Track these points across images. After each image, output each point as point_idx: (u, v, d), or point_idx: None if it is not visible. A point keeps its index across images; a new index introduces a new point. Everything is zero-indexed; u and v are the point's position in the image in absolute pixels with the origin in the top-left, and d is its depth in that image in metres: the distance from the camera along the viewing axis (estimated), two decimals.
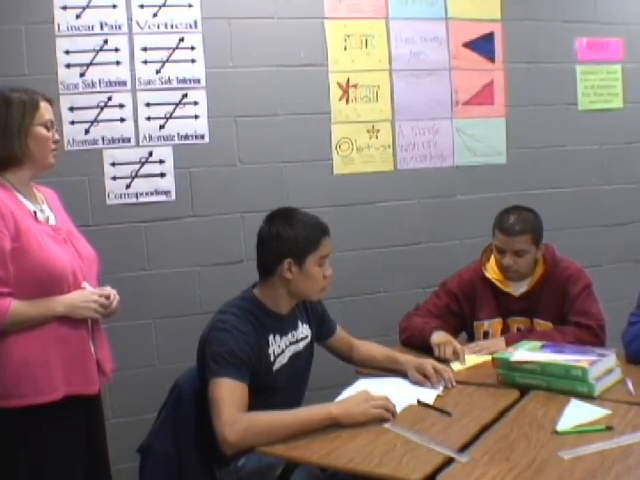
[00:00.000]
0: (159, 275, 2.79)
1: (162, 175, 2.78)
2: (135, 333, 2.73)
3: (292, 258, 1.88)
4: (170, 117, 2.78)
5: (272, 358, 1.90)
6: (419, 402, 1.87)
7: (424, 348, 2.28)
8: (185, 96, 2.79)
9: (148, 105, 2.75)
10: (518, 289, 2.41)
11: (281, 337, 1.94)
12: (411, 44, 3.07)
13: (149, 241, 2.78)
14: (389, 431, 1.69)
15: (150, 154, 2.77)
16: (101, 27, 2.69)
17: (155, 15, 2.75)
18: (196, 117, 2.80)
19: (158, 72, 2.76)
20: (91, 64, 2.68)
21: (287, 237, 1.89)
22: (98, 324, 1.85)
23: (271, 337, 1.91)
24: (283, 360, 1.93)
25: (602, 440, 1.56)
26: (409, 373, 2.04)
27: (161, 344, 2.79)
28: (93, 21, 2.68)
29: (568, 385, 1.85)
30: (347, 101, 2.99)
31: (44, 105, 1.80)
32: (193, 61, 2.79)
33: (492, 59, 3.19)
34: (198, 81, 2.80)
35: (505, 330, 2.42)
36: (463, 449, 1.57)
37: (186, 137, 2.80)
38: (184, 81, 2.79)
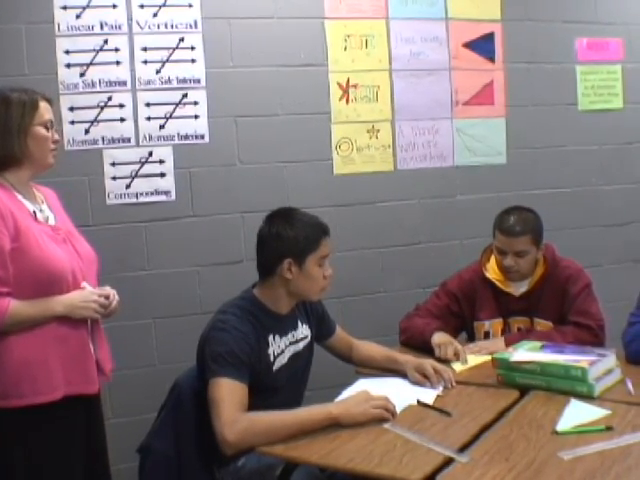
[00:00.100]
0: (159, 275, 2.79)
1: (162, 175, 2.78)
2: (135, 333, 2.73)
3: (292, 258, 1.88)
4: (170, 117, 2.78)
5: (272, 358, 1.90)
6: (419, 402, 1.87)
7: (424, 349, 2.28)
8: (185, 96, 2.79)
9: (148, 105, 2.75)
10: (518, 289, 2.41)
11: (281, 337, 1.94)
12: (411, 44, 3.07)
13: (149, 241, 2.78)
14: (389, 431, 1.69)
15: (150, 154, 2.77)
16: (101, 27, 2.69)
17: (155, 15, 2.75)
18: (196, 117, 2.80)
19: (158, 72, 2.76)
20: (91, 64, 2.68)
21: (287, 237, 1.89)
22: (98, 324, 1.85)
23: (271, 337, 1.91)
24: (283, 360, 1.93)
25: (602, 440, 1.56)
26: (409, 373, 2.04)
27: (161, 344, 2.79)
28: (93, 21, 2.68)
29: (568, 385, 1.85)
30: (347, 101, 2.99)
31: (43, 105, 1.80)
32: (193, 61, 2.79)
33: (492, 59, 3.19)
34: (198, 81, 2.80)
35: (506, 330, 2.42)
36: (463, 449, 1.57)
37: (186, 137, 2.80)
38: (184, 81, 2.79)
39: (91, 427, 1.85)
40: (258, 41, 2.86)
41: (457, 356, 2.20)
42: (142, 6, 2.73)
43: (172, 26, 2.77)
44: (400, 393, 1.91)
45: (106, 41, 2.70)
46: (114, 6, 2.70)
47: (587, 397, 1.81)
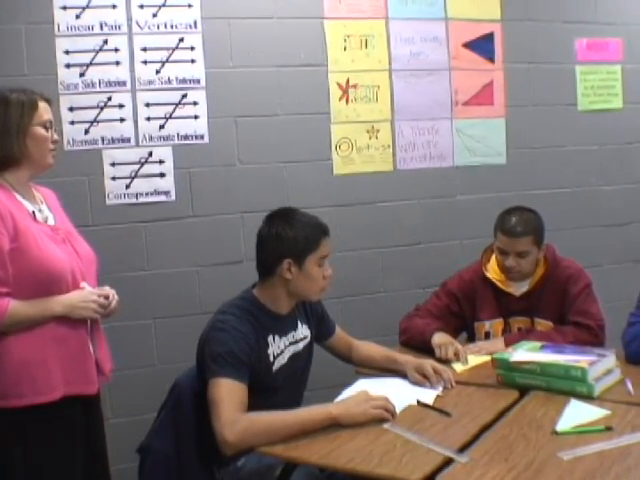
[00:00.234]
0: (159, 275, 2.79)
1: (162, 175, 2.78)
2: (135, 333, 2.73)
3: (292, 258, 1.88)
4: (170, 117, 2.78)
5: (271, 359, 1.90)
6: (419, 402, 1.87)
7: (424, 349, 2.28)
8: (185, 96, 2.79)
9: (148, 105, 2.75)
10: (519, 289, 2.41)
11: (280, 337, 1.94)
12: (411, 44, 3.06)
13: (149, 241, 2.78)
14: (389, 431, 1.69)
15: (150, 154, 2.77)
16: (101, 27, 2.69)
17: (155, 15, 2.75)
18: (196, 117, 2.80)
19: (158, 72, 2.76)
20: (91, 64, 2.68)
21: (287, 237, 1.89)
22: (97, 324, 1.85)
23: (270, 338, 1.91)
24: (282, 360, 1.93)
25: (601, 440, 1.56)
26: (408, 373, 2.04)
27: (161, 344, 2.79)
28: (93, 21, 2.68)
29: (568, 385, 1.85)
30: (347, 101, 2.99)
31: (43, 105, 1.80)
32: (193, 61, 2.79)
33: (492, 59, 3.19)
34: (198, 81, 2.80)
35: (506, 330, 2.42)
36: (462, 449, 1.57)
37: (186, 137, 2.80)
38: (184, 81, 2.79)
39: (91, 427, 1.85)
40: (258, 41, 2.86)
41: (457, 356, 2.20)
42: (142, 6, 2.73)
43: (172, 26, 2.77)
44: (400, 393, 1.91)
45: (106, 41, 2.70)
46: (114, 6, 2.70)
47: (587, 397, 1.81)
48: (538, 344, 2.06)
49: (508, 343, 2.25)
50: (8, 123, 1.74)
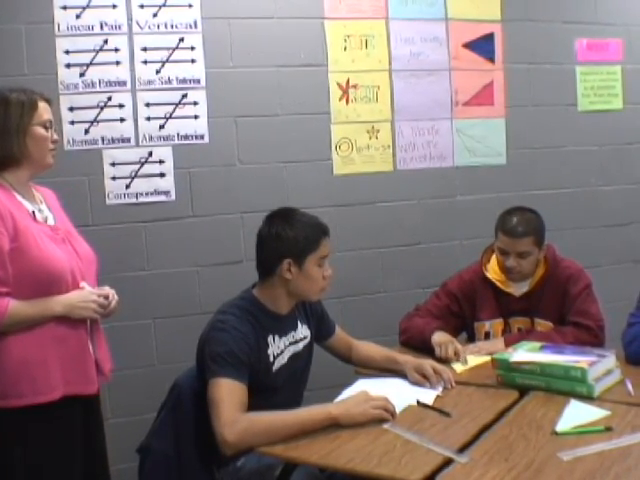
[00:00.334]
0: (159, 275, 2.79)
1: (162, 175, 2.78)
2: (135, 333, 2.73)
3: (291, 258, 1.88)
4: (170, 117, 2.78)
5: (271, 359, 1.90)
6: (418, 402, 1.87)
7: (424, 349, 2.28)
8: (185, 96, 2.79)
9: (148, 105, 2.75)
10: (519, 289, 2.41)
11: (280, 338, 1.94)
12: (411, 44, 3.06)
13: (149, 241, 2.78)
14: (388, 431, 1.69)
15: (150, 154, 2.77)
16: (101, 27, 2.69)
17: (155, 15, 2.75)
18: (196, 117, 2.80)
19: (158, 72, 2.76)
20: (91, 64, 2.68)
21: (287, 237, 1.89)
22: (97, 324, 1.85)
23: (270, 338, 1.91)
24: (282, 361, 1.93)
25: (601, 441, 1.56)
26: (408, 373, 2.04)
27: (161, 344, 2.79)
28: (93, 21, 2.68)
29: (567, 386, 1.85)
30: (347, 101, 2.99)
31: (42, 105, 1.80)
32: (193, 61, 2.79)
33: (492, 60, 3.19)
34: (198, 81, 2.80)
35: (506, 330, 2.42)
36: (462, 450, 1.57)
37: (186, 137, 2.80)
38: (184, 81, 2.79)
39: (90, 427, 1.85)
40: (258, 41, 2.86)
41: (457, 355, 2.20)
42: (142, 6, 2.73)
43: (172, 26, 2.77)
44: (400, 393, 1.91)
45: (106, 41, 2.70)
46: (114, 6, 2.70)
47: (587, 398, 1.81)
48: (538, 344, 2.06)
49: (508, 343, 2.25)
50: (8, 123, 1.74)
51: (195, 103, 2.80)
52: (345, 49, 2.98)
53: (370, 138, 3.03)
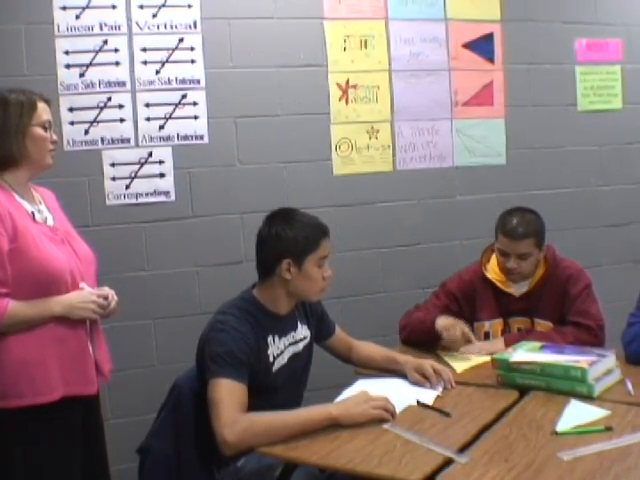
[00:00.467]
0: (159, 275, 2.79)
1: (161, 175, 2.78)
2: (135, 333, 2.73)
3: (291, 259, 1.88)
4: (170, 118, 2.78)
5: (271, 359, 1.90)
6: (418, 403, 1.87)
7: (426, 344, 2.29)
8: (185, 97, 2.79)
9: (148, 106, 2.75)
10: (519, 289, 2.41)
11: (280, 338, 1.94)
12: (411, 45, 3.06)
13: (149, 242, 2.78)
14: (388, 432, 1.68)
15: (150, 155, 2.77)
16: (100, 28, 2.69)
17: (155, 16, 2.75)
18: (196, 117, 2.80)
19: (158, 72, 2.76)
20: (91, 64, 2.68)
21: (286, 237, 1.89)
22: (96, 324, 1.85)
23: (270, 338, 1.91)
24: (282, 361, 1.93)
25: (601, 441, 1.56)
26: (408, 373, 2.04)
27: (161, 344, 2.79)
28: (93, 21, 2.68)
29: (567, 386, 1.85)
30: (347, 101, 2.99)
31: (42, 106, 1.80)
32: (193, 61, 2.79)
33: (492, 60, 3.19)
34: (198, 81, 2.80)
35: (506, 330, 2.42)
36: (462, 450, 1.57)
37: (186, 137, 2.80)
38: (184, 81, 2.79)
39: (90, 428, 1.85)
40: (257, 41, 2.86)
41: (465, 336, 2.20)
42: (142, 7, 2.73)
43: (172, 26, 2.77)
44: (400, 394, 1.91)
45: (105, 42, 2.70)
46: (113, 7, 2.70)
47: (587, 397, 1.81)
48: (538, 344, 2.06)
49: (508, 343, 2.24)
50: (7, 123, 1.74)
51: (195, 103, 2.80)
52: (345, 49, 2.98)
53: (370, 138, 3.03)
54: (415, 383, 2.01)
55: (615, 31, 3.36)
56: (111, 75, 2.71)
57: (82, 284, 1.79)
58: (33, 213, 1.78)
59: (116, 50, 2.71)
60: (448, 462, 1.52)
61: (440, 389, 1.97)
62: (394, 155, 3.07)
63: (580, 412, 1.74)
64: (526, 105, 3.24)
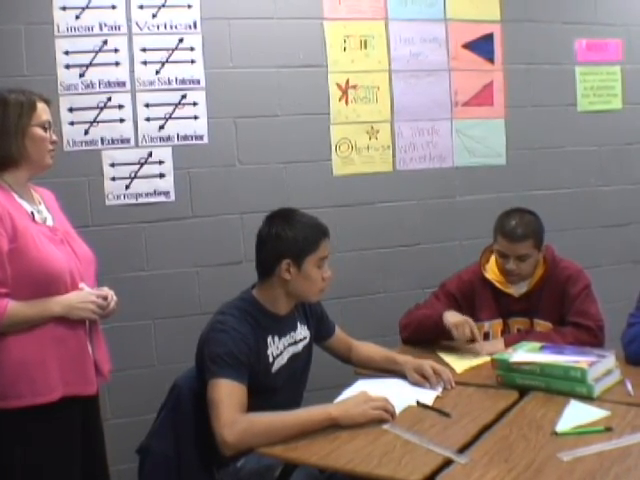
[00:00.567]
0: (158, 276, 2.79)
1: (161, 176, 2.78)
2: (134, 334, 2.73)
3: (291, 259, 1.88)
4: (169, 118, 2.78)
5: (271, 359, 1.90)
6: (418, 403, 1.87)
7: (429, 340, 2.30)
8: (184, 97, 2.79)
9: (147, 106, 2.75)
10: (518, 290, 2.41)
11: (280, 338, 1.94)
12: (410, 45, 3.06)
13: (148, 242, 2.78)
14: (388, 432, 1.68)
15: (149, 155, 2.77)
16: (100, 28, 2.69)
17: (154, 16, 2.75)
18: (195, 118, 2.80)
19: (157, 73, 2.76)
20: (90, 65, 2.68)
21: (286, 237, 1.89)
22: (96, 325, 1.85)
23: (270, 338, 1.91)
24: (282, 361, 1.93)
25: (601, 441, 1.56)
26: (408, 374, 2.04)
27: (160, 345, 2.79)
28: (92, 22, 2.68)
29: (567, 386, 1.85)
30: (346, 102, 2.99)
31: (41, 106, 1.80)
32: (192, 62, 2.79)
33: (491, 60, 3.19)
34: (197, 82, 2.80)
35: (505, 331, 2.42)
36: (462, 450, 1.57)
37: (185, 138, 2.80)
38: (183, 82, 2.79)
39: (90, 428, 1.85)
40: (257, 42, 2.86)
41: (473, 335, 2.21)
42: (141, 7, 2.73)
43: (171, 27, 2.77)
44: (399, 394, 1.91)
45: (105, 42, 2.70)
46: (113, 7, 2.70)
47: (586, 398, 1.81)
48: (538, 345, 2.06)
49: (508, 344, 2.24)
50: (7, 124, 1.74)
51: (195, 104, 2.80)
52: (345, 50, 2.98)
53: (370, 139, 3.03)
54: (415, 383, 2.01)
55: (615, 31, 3.36)
56: (111, 75, 2.71)
57: (81, 284, 1.79)
58: (33, 213, 1.78)
59: (116, 50, 2.71)
60: (448, 463, 1.52)
61: (440, 389, 1.97)
62: (394, 155, 3.07)
63: (580, 412, 1.74)
64: (526, 105, 3.24)
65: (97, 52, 2.69)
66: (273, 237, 1.90)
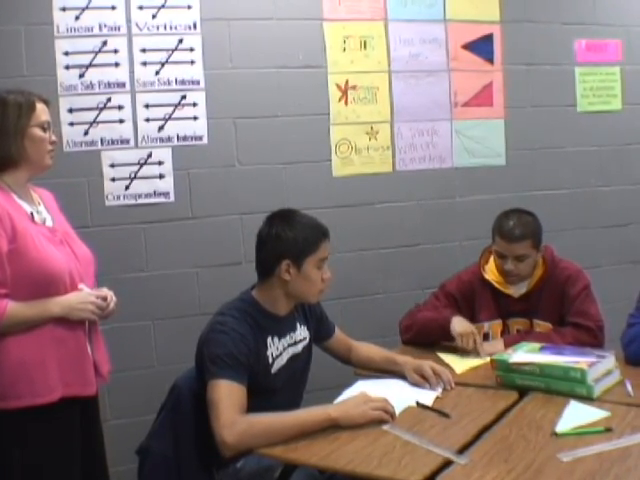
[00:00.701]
0: (158, 276, 2.79)
1: (161, 176, 2.78)
2: (134, 334, 2.73)
3: (290, 259, 1.88)
4: (169, 118, 2.78)
5: (270, 360, 1.90)
6: (418, 404, 1.87)
7: (432, 342, 2.30)
8: (184, 97, 2.79)
9: (147, 106, 2.75)
10: (518, 290, 2.41)
11: (279, 339, 1.94)
12: (410, 45, 3.07)
13: (148, 242, 2.78)
14: (388, 433, 1.68)
15: (149, 155, 2.77)
16: (100, 28, 2.69)
17: (154, 16, 2.75)
18: (195, 118, 2.80)
19: (157, 73, 2.76)
20: (90, 65, 2.68)
21: (286, 238, 1.88)
22: (95, 325, 1.85)
23: (269, 339, 1.91)
24: (281, 362, 1.93)
25: (601, 442, 1.55)
26: (407, 374, 2.04)
27: (160, 345, 2.79)
28: (92, 22, 2.68)
29: (567, 387, 1.85)
30: (346, 102, 2.99)
31: (40, 106, 1.80)
32: (192, 62, 2.79)
33: (491, 60, 3.19)
34: (197, 82, 2.80)
35: (505, 331, 2.42)
36: (462, 451, 1.57)
37: (185, 138, 2.80)
38: (183, 82, 2.79)
39: (89, 429, 1.85)
40: (257, 42, 2.86)
41: (475, 346, 2.22)
42: (141, 7, 2.73)
43: (171, 27, 2.77)
44: (399, 394, 1.91)
45: (105, 42, 2.70)
46: (113, 7, 2.70)
47: (586, 398, 1.81)
48: (537, 345, 2.06)
49: (507, 344, 2.24)
50: (6, 124, 1.73)
51: (194, 104, 2.80)
52: (344, 50, 2.98)
53: (369, 139, 3.04)
54: (414, 384, 2.01)
55: (614, 32, 3.36)
56: (111, 76, 2.71)
57: (81, 285, 1.79)
58: (32, 214, 1.78)
59: (116, 51, 2.71)
60: (448, 463, 1.52)
61: (439, 390, 1.97)
62: (394, 156, 3.07)
63: (580, 413, 1.74)
64: (525, 106, 3.24)
65: (97, 53, 2.69)
66: (273, 238, 1.90)
